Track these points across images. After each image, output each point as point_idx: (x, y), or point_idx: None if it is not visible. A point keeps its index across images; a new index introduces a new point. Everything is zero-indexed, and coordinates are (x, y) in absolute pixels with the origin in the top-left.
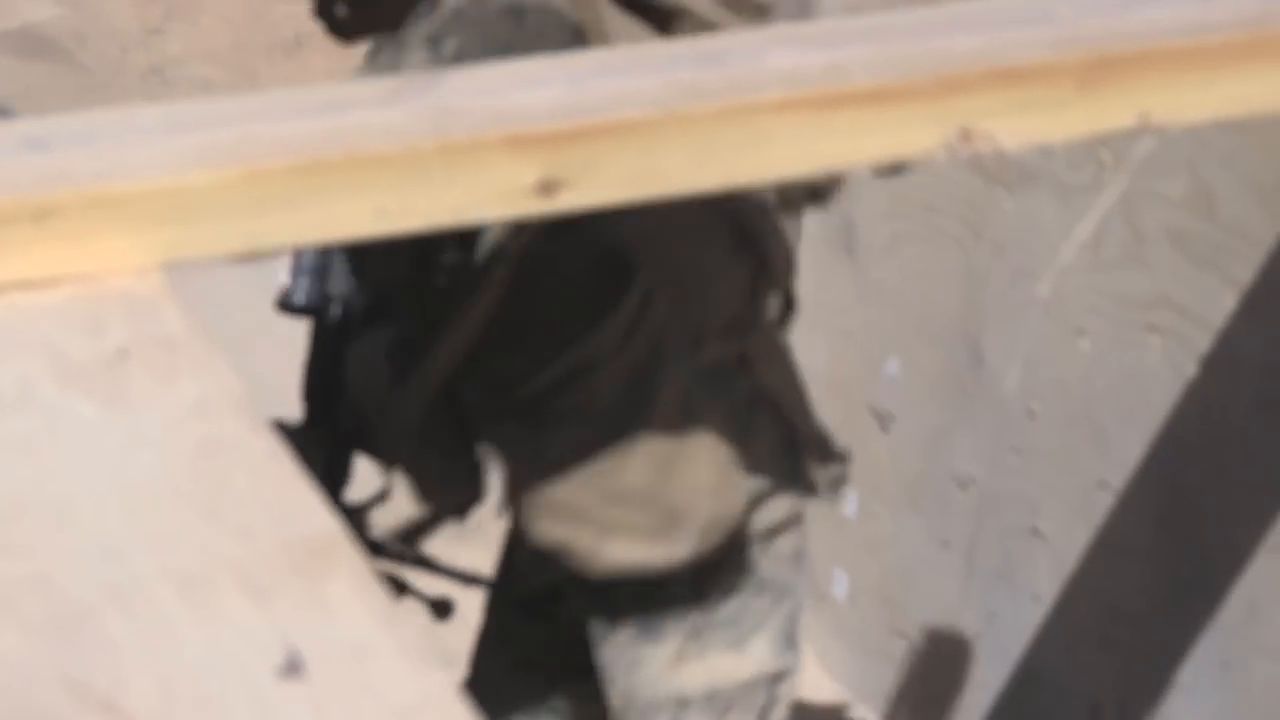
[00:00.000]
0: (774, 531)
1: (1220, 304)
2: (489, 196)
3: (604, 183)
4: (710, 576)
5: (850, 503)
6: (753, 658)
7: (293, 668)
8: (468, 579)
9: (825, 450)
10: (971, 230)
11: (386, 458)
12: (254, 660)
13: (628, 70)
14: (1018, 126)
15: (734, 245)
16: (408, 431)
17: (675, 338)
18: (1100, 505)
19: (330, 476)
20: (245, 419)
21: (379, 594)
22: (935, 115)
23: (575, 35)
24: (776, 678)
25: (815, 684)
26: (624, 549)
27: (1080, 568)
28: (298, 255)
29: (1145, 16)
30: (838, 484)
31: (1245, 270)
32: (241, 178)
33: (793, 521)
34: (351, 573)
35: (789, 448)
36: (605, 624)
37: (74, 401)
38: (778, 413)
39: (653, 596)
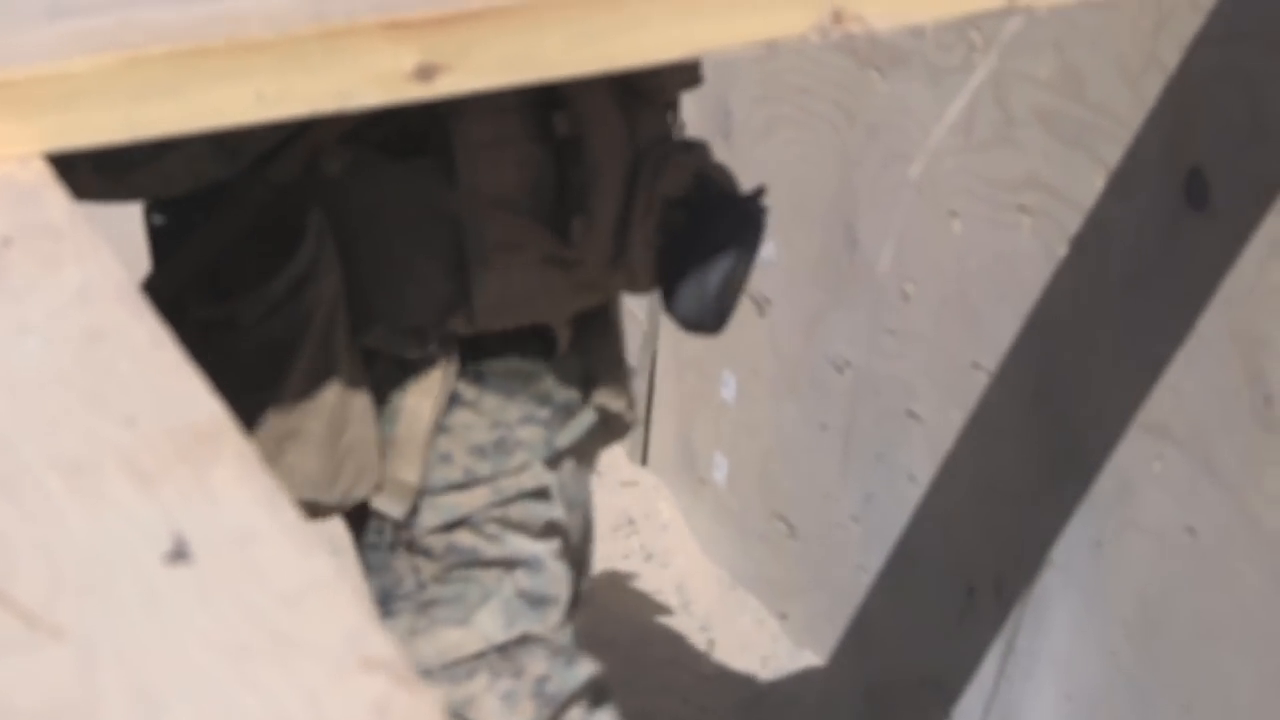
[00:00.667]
0: (498, 506)
1: (1090, 184)
2: (368, 82)
3: (482, 67)
4: (426, 565)
5: (729, 387)
6: (478, 631)
7: (179, 554)
8: None
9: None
10: (845, 113)
11: None
12: (141, 547)
13: None
14: (888, 7)
15: (445, 265)
16: None
17: (334, 321)
18: (974, 386)
19: None
20: (128, 306)
21: (264, 479)
22: None
23: None
24: (517, 643)
25: (698, 568)
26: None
27: (955, 449)
28: None
29: None
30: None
31: (1114, 150)
32: (122, 64)
33: (517, 496)
34: (237, 458)
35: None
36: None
37: None
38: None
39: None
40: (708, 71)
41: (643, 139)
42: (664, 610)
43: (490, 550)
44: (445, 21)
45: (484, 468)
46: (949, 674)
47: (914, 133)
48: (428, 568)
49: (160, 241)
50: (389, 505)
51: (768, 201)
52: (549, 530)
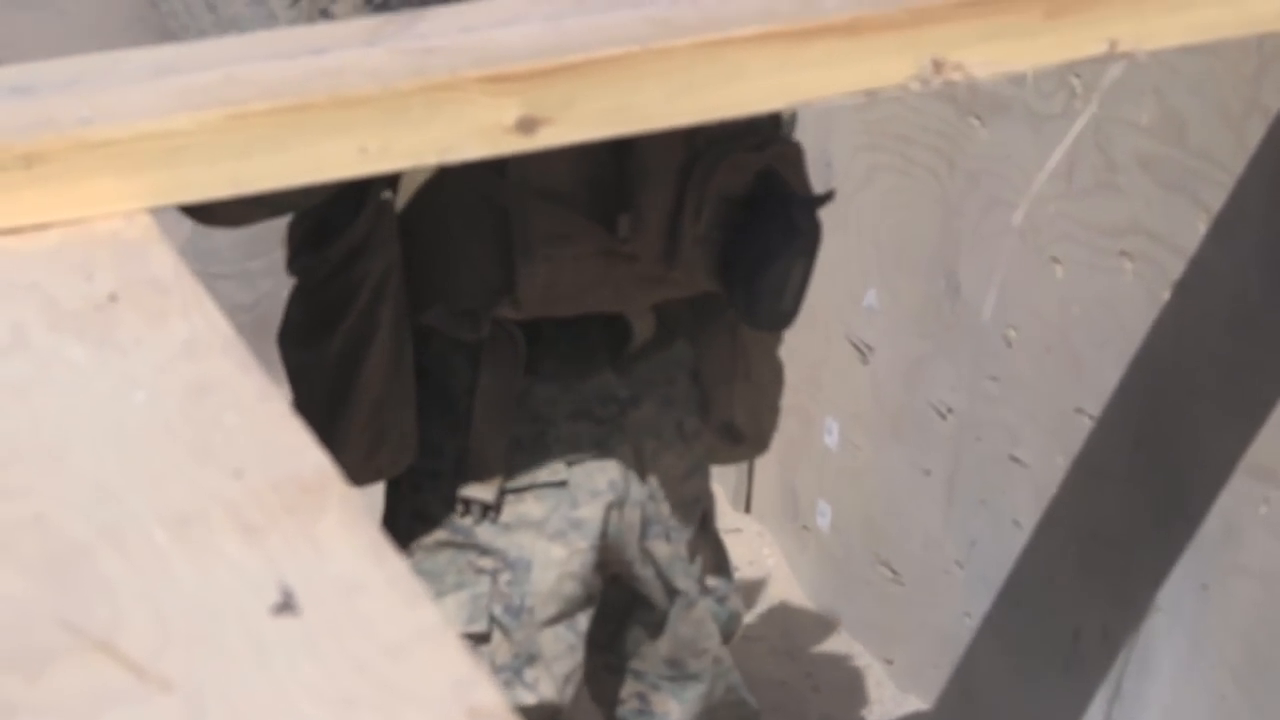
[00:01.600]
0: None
1: (1192, 229)
2: (470, 135)
3: (583, 119)
4: (425, 530)
5: (831, 434)
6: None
7: (286, 605)
8: None
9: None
10: (946, 161)
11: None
12: (248, 598)
13: (605, 7)
14: (988, 55)
15: (498, 257)
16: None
17: (384, 293)
18: (1078, 431)
19: None
20: (234, 359)
21: (370, 530)
22: (907, 45)
23: None
24: (477, 639)
25: (802, 614)
26: None
27: (1059, 493)
28: None
29: None
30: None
31: (1216, 195)
32: (226, 120)
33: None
34: (342, 509)
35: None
36: None
37: (65, 345)
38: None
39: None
40: (807, 120)
41: (703, 138)
42: (769, 656)
43: (486, 537)
44: (547, 74)
45: (516, 460)
46: (1055, 718)
47: (1015, 179)
48: (426, 534)
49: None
50: (479, 491)
51: (864, 246)
52: (567, 528)
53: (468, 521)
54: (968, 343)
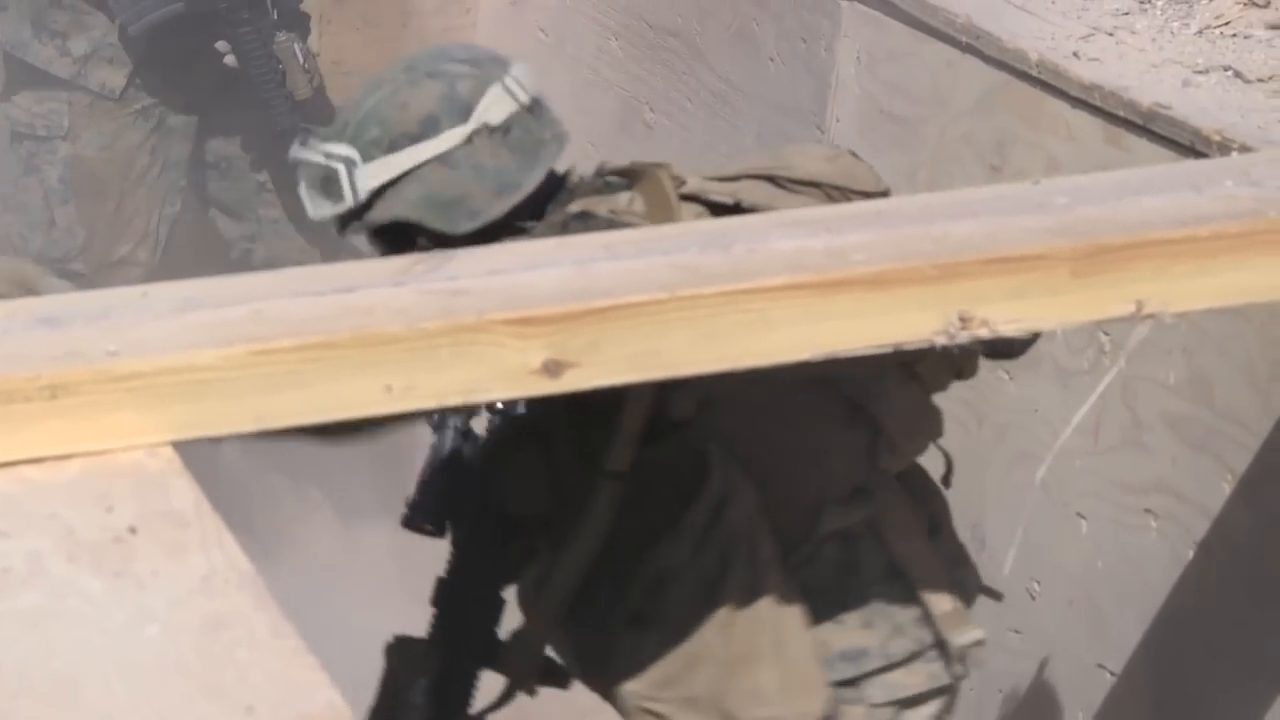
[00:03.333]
0: (969, 650)
1: (1217, 489)
2: (496, 377)
3: (608, 363)
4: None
5: None
6: None
7: None
8: None
9: (961, 615)
10: (974, 414)
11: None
12: None
13: (633, 253)
14: (1015, 312)
15: (846, 418)
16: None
17: (759, 534)
18: (1099, 687)
19: (453, 689)
20: (251, 595)
21: None
22: (934, 300)
23: None
24: None
25: None
26: None
27: None
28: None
29: (1140, 206)
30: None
31: (1241, 457)
32: (250, 356)
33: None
34: None
35: (921, 616)
36: None
37: (82, 577)
38: (908, 581)
39: None
40: None
41: None
42: None
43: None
44: (573, 318)
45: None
46: None
47: (1042, 434)
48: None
49: None
50: (963, 634)
51: None
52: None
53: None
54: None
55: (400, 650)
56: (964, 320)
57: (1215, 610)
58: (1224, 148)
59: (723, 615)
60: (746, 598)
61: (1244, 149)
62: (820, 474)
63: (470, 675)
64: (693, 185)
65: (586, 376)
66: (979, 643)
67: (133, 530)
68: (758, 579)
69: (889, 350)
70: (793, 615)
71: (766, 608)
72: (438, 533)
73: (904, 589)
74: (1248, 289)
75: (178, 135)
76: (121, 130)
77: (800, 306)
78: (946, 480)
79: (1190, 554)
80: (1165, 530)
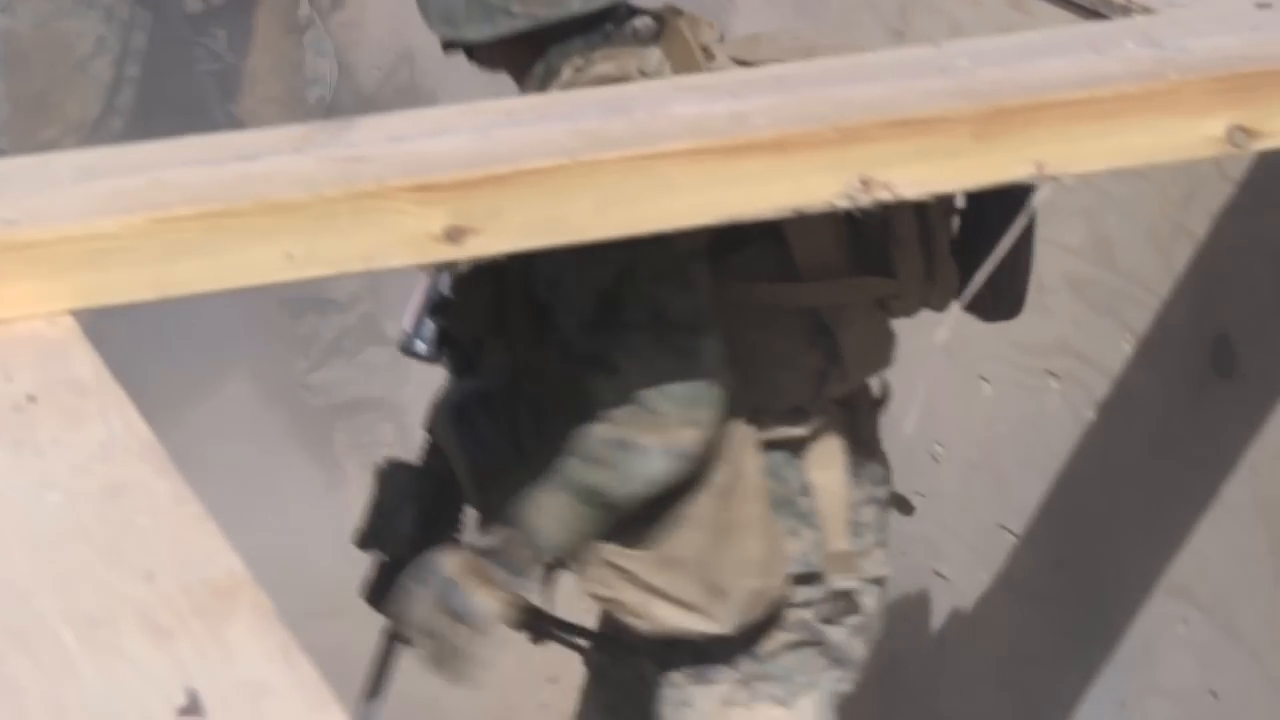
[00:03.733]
0: (840, 599)
1: (1117, 350)
2: (396, 244)
3: (511, 230)
4: (766, 631)
5: None
6: (799, 716)
7: (192, 708)
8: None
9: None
10: None
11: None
12: (153, 701)
13: (535, 119)
14: (916, 175)
15: (810, 338)
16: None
17: (739, 413)
18: (1001, 548)
19: (441, 516)
20: (151, 462)
21: (279, 633)
22: (835, 164)
23: None
24: None
25: None
26: (667, 615)
27: (980, 610)
28: (418, 302)
29: (1041, 68)
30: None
31: (1142, 317)
32: (151, 224)
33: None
34: (253, 613)
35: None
36: (659, 665)
37: None
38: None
39: (707, 647)
40: None
41: None
42: None
43: (833, 634)
44: (474, 185)
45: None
46: None
47: None
48: (769, 641)
49: None
50: (845, 580)
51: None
52: (870, 629)
53: (821, 623)
54: (893, 457)
55: (392, 475)
56: (865, 184)
57: (1115, 469)
58: (1125, 10)
59: (721, 480)
60: (739, 470)
61: (1145, 10)
62: (769, 385)
63: (457, 503)
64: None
65: (488, 243)
66: (853, 591)
67: (32, 399)
68: (739, 456)
69: (790, 214)
70: (766, 491)
71: (757, 476)
72: (434, 359)
73: (809, 510)
74: (1148, 150)
75: (133, 28)
76: (59, 12)
77: (703, 171)
78: (882, 404)
79: (1091, 414)
80: (1066, 391)
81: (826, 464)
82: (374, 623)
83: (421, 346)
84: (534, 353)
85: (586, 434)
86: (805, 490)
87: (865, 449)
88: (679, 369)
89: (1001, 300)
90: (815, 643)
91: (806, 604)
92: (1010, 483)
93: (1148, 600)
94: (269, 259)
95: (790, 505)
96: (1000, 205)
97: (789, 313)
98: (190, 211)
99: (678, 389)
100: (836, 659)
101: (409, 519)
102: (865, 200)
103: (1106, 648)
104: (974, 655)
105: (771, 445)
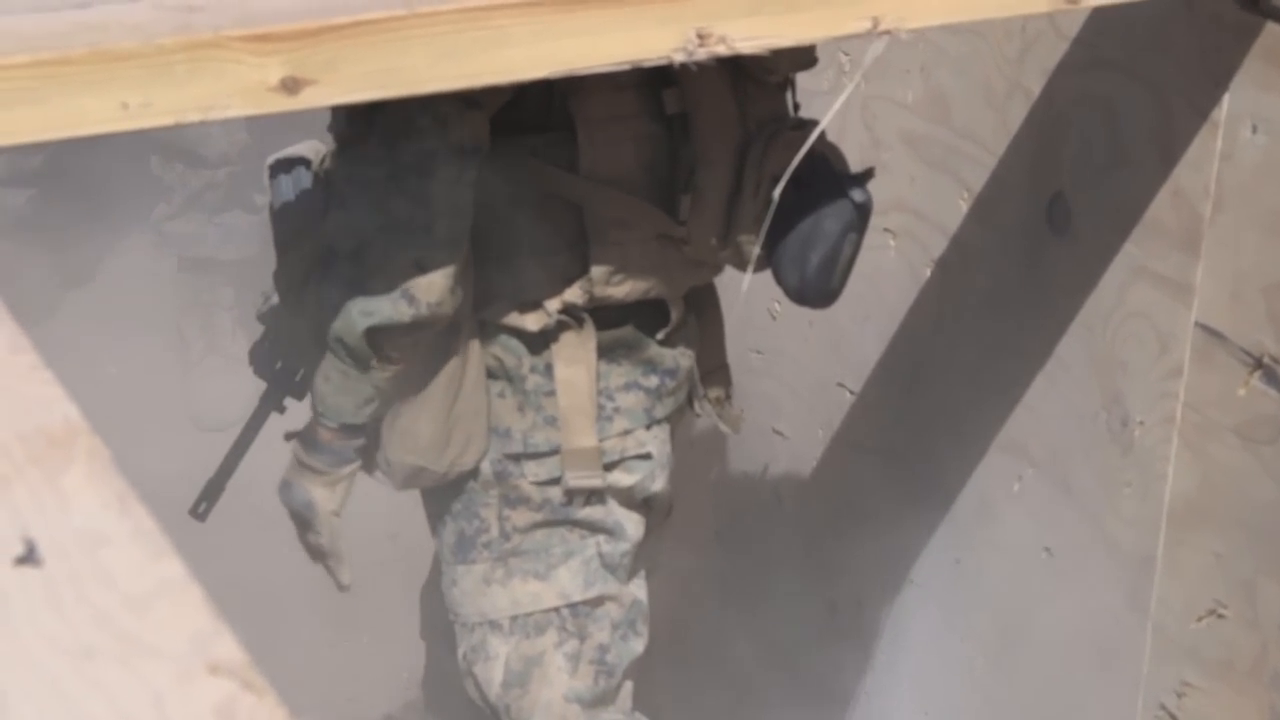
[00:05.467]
0: (581, 493)
1: (954, 208)
2: (233, 94)
3: (347, 81)
4: (513, 510)
5: None
6: (556, 587)
7: (28, 556)
8: None
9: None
10: None
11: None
12: None
13: None
14: (751, 29)
15: (569, 241)
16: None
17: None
18: (838, 405)
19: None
20: None
21: (117, 483)
22: (671, 17)
23: None
24: (595, 602)
25: None
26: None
27: (818, 466)
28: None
29: None
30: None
31: (978, 175)
32: None
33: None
34: (89, 462)
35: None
36: (439, 543)
37: None
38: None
39: (466, 531)
40: None
41: (754, 118)
42: None
43: (581, 511)
44: (310, 35)
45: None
46: (809, 689)
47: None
48: (518, 518)
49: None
50: (585, 479)
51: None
52: (642, 499)
53: (565, 503)
54: (731, 316)
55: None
56: (702, 37)
57: (951, 327)
58: None
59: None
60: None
61: None
62: (514, 271)
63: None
64: None
65: (325, 93)
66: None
67: None
68: (446, 334)
69: (627, 67)
70: (471, 376)
71: (448, 362)
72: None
73: (547, 391)
74: (983, 5)
75: None
76: None
77: (540, 23)
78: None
79: (928, 271)
80: (903, 249)
81: (570, 359)
82: None
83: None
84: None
85: (321, 281)
86: (541, 372)
87: (646, 346)
88: (414, 212)
89: (808, 287)
90: (565, 521)
91: (548, 483)
92: (848, 340)
93: (983, 458)
94: (103, 108)
95: (518, 382)
96: (831, 205)
97: (558, 207)
98: (23, 60)
99: (408, 230)
100: (596, 529)
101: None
102: (701, 54)
103: (943, 505)
104: (812, 512)
105: (507, 330)
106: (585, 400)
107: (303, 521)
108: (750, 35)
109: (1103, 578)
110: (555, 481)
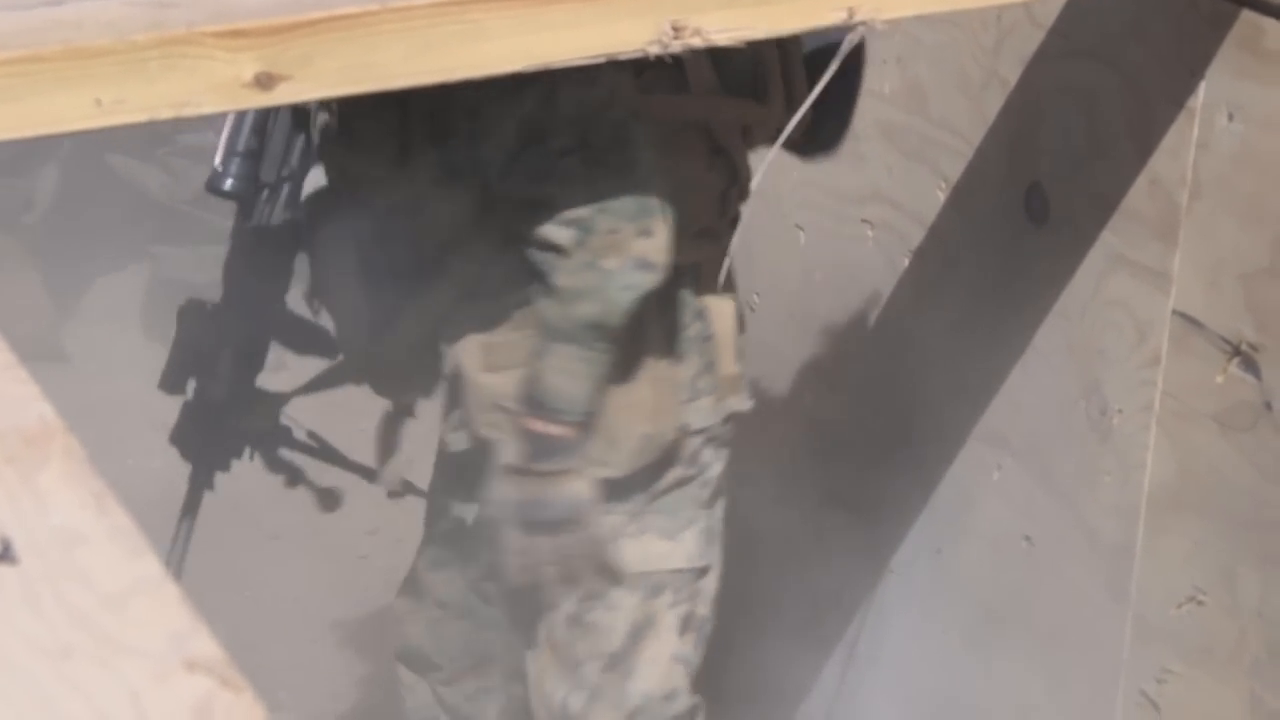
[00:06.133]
0: (729, 423)
1: (931, 198)
2: (207, 90)
3: (322, 76)
4: (660, 469)
5: None
6: (684, 550)
7: (4, 555)
8: (368, 473)
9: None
10: None
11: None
12: None
13: None
14: (726, 21)
15: (708, 160)
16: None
17: None
18: (817, 395)
19: (246, 359)
20: None
21: (93, 481)
22: (646, 10)
23: None
24: (702, 571)
25: None
26: None
27: (798, 456)
28: (230, 139)
29: None
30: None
31: (955, 165)
32: None
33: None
34: (65, 462)
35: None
36: None
37: None
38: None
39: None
40: None
41: None
42: None
43: (714, 467)
44: (284, 31)
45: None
46: (791, 679)
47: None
48: (662, 478)
49: None
50: (739, 402)
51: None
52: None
53: (709, 451)
54: None
55: (195, 315)
56: (677, 29)
57: (929, 317)
58: None
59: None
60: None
61: None
62: (680, 209)
63: (265, 341)
64: None
65: (299, 89)
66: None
67: None
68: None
69: (602, 60)
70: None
71: (654, 315)
72: (239, 196)
73: (705, 335)
74: None
75: None
76: None
77: (514, 17)
78: None
79: (906, 261)
80: (881, 239)
81: (717, 288)
82: None
83: (230, 184)
84: (440, 190)
85: (550, 274)
86: (700, 315)
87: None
88: (617, 185)
89: (820, 132)
90: (697, 477)
91: (700, 432)
92: (827, 332)
93: (963, 448)
94: (76, 105)
95: (683, 331)
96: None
97: (686, 133)
98: None
99: (621, 204)
100: (715, 494)
101: (228, 359)
102: (676, 46)
103: (923, 494)
104: (792, 503)
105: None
106: (732, 327)
107: (572, 524)
108: (725, 27)
109: (1082, 566)
110: (705, 430)
